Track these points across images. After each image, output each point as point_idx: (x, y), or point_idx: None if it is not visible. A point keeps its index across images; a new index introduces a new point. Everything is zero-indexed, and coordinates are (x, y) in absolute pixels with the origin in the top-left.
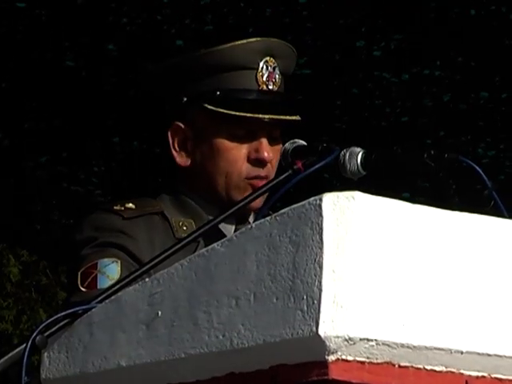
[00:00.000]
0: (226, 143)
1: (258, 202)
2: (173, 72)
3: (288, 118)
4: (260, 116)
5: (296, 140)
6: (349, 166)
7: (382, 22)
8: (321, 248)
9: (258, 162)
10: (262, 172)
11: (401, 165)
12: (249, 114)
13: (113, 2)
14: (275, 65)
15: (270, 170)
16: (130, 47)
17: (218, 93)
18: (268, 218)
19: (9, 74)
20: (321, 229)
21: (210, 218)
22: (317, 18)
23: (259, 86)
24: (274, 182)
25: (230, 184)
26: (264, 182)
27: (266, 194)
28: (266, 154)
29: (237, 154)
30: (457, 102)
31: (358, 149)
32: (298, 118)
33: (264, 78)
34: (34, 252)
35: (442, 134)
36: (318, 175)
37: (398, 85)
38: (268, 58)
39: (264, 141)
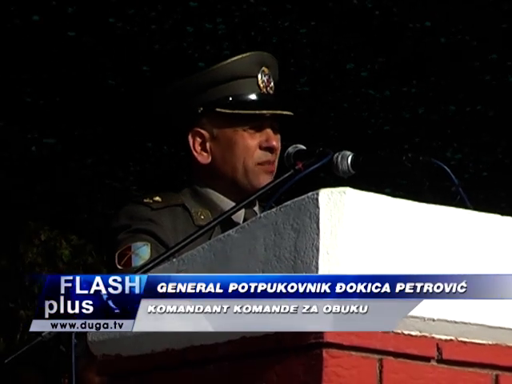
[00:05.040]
0: (240, 136)
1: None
2: (187, 89)
3: (284, 112)
4: (264, 112)
5: (297, 145)
6: (341, 166)
7: (368, 48)
8: (317, 234)
9: (268, 149)
10: (271, 157)
11: (383, 165)
12: (255, 112)
13: (147, 32)
14: (269, 73)
15: (276, 157)
16: (161, 68)
17: (231, 98)
18: (274, 209)
19: (63, 90)
20: (317, 218)
21: (223, 207)
22: (314, 45)
23: (260, 90)
24: (279, 180)
25: (247, 169)
26: (273, 166)
27: (272, 185)
28: (274, 143)
29: (251, 142)
30: (429, 114)
31: (348, 152)
32: (291, 113)
33: (263, 84)
34: (82, 236)
35: (417, 140)
36: (316, 174)
37: (380, 100)
38: (264, 68)
39: (270, 131)
